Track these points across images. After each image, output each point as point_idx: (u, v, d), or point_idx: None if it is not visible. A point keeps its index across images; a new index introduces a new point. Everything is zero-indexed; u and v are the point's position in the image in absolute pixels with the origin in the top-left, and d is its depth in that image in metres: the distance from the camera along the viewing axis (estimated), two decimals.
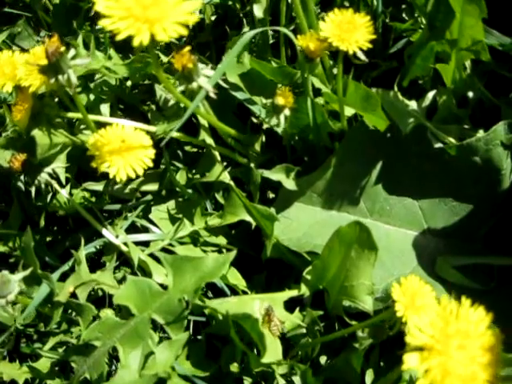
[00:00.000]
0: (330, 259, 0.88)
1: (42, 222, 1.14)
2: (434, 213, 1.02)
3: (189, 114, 0.82)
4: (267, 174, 0.98)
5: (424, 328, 0.52)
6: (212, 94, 0.83)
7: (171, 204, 1.05)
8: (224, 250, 1.05)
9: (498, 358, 0.54)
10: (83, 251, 0.91)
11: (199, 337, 0.98)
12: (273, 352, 0.79)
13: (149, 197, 1.07)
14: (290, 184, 0.99)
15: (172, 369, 0.80)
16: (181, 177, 1.06)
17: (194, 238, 1.03)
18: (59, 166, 0.97)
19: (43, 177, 0.97)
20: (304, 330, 0.93)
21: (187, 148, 1.13)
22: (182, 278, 0.81)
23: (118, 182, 0.80)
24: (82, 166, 1.11)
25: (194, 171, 1.06)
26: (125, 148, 0.81)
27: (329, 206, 1.03)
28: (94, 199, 1.09)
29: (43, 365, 1.03)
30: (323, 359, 0.97)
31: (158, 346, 0.80)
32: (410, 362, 0.51)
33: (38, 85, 0.90)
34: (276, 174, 0.98)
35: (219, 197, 1.07)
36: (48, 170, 0.97)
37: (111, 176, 0.80)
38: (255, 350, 0.88)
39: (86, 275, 0.89)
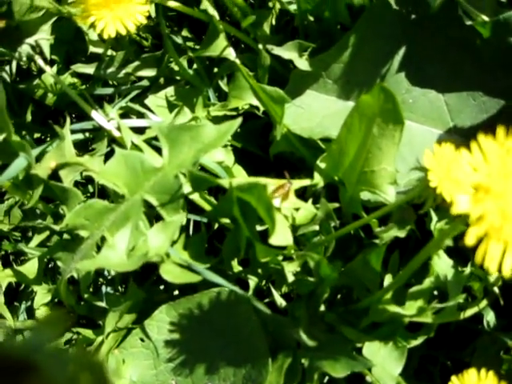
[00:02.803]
0: (349, 140, 0.77)
1: (29, 117, 1.04)
2: (461, 109, 0.92)
3: None
4: (277, 50, 0.88)
5: (479, 166, 0.41)
6: None
7: (170, 91, 0.94)
8: (228, 145, 0.94)
9: None
10: (68, 128, 0.79)
11: None
12: (282, 235, 0.69)
13: (145, 82, 0.96)
14: (302, 63, 0.88)
15: (166, 256, 0.70)
16: (182, 59, 0.95)
17: None
18: (43, 37, 0.85)
19: (24, 49, 0.85)
20: (317, 228, 0.83)
21: (185, 34, 1.01)
22: (178, 151, 0.70)
23: (106, 39, 0.68)
24: (71, 51, 1.00)
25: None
26: (113, 0, 0.70)
27: (345, 96, 0.93)
28: (84, 87, 0.98)
29: (29, 269, 0.96)
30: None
31: (151, 228, 0.70)
32: (462, 203, 0.40)
33: None
34: (287, 52, 0.88)
35: (223, 84, 0.96)
36: (30, 40, 0.86)
37: (98, 31, 0.69)
38: None
39: (71, 156, 0.78)
